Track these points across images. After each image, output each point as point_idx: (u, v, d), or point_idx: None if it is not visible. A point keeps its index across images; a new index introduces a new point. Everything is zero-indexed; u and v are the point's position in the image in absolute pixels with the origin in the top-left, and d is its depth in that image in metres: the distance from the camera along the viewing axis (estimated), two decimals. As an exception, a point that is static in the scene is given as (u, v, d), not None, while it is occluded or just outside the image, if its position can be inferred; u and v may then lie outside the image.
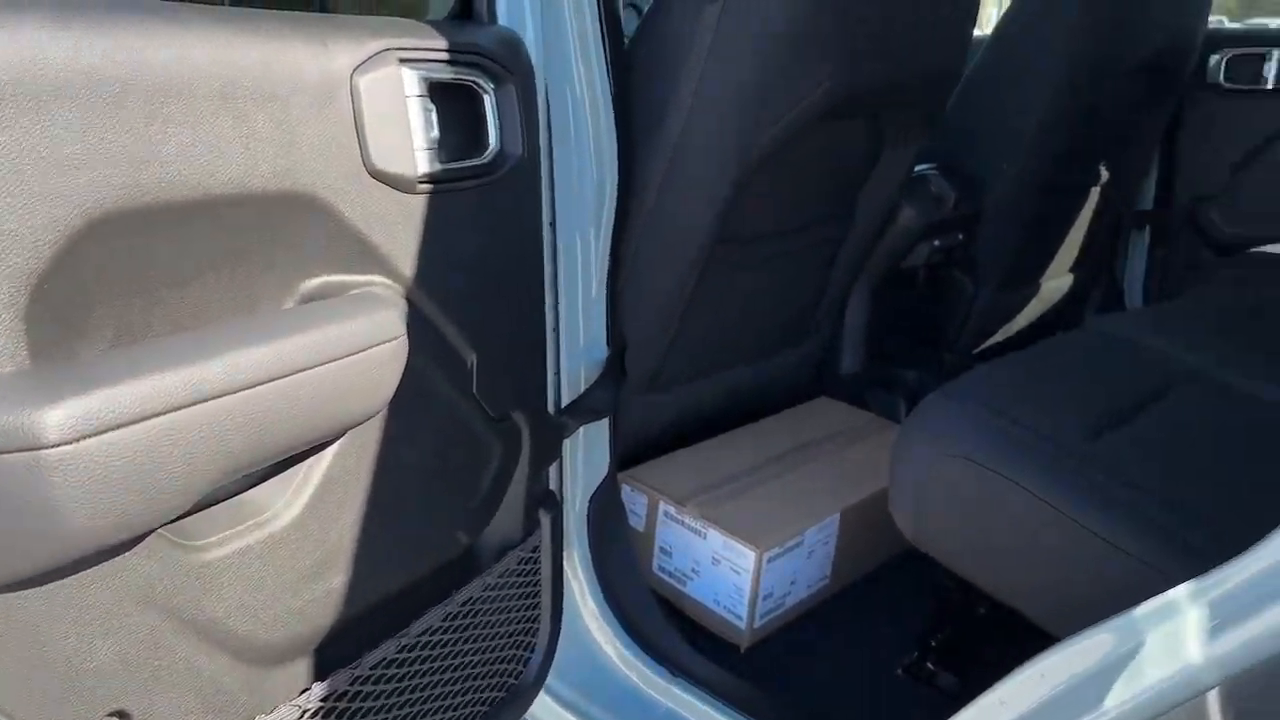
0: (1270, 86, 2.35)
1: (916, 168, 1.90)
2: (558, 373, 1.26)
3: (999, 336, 2.43)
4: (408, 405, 0.92)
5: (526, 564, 1.15)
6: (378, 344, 0.83)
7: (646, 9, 1.39)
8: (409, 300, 0.91)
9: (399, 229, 0.88)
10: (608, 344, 1.40)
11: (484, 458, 1.04)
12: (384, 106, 0.86)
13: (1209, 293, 1.92)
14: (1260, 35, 2.38)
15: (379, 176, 0.86)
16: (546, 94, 1.17)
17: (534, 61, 1.10)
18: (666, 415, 1.71)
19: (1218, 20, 2.73)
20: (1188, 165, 2.56)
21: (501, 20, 1.09)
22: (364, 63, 0.85)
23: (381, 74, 0.86)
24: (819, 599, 1.63)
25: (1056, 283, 2.47)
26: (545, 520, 1.18)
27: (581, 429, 1.36)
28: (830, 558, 1.61)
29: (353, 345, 0.81)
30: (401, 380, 0.88)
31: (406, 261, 0.90)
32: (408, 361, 0.89)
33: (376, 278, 0.88)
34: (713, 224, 1.46)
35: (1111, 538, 1.04)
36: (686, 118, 1.35)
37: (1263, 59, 2.35)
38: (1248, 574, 0.75)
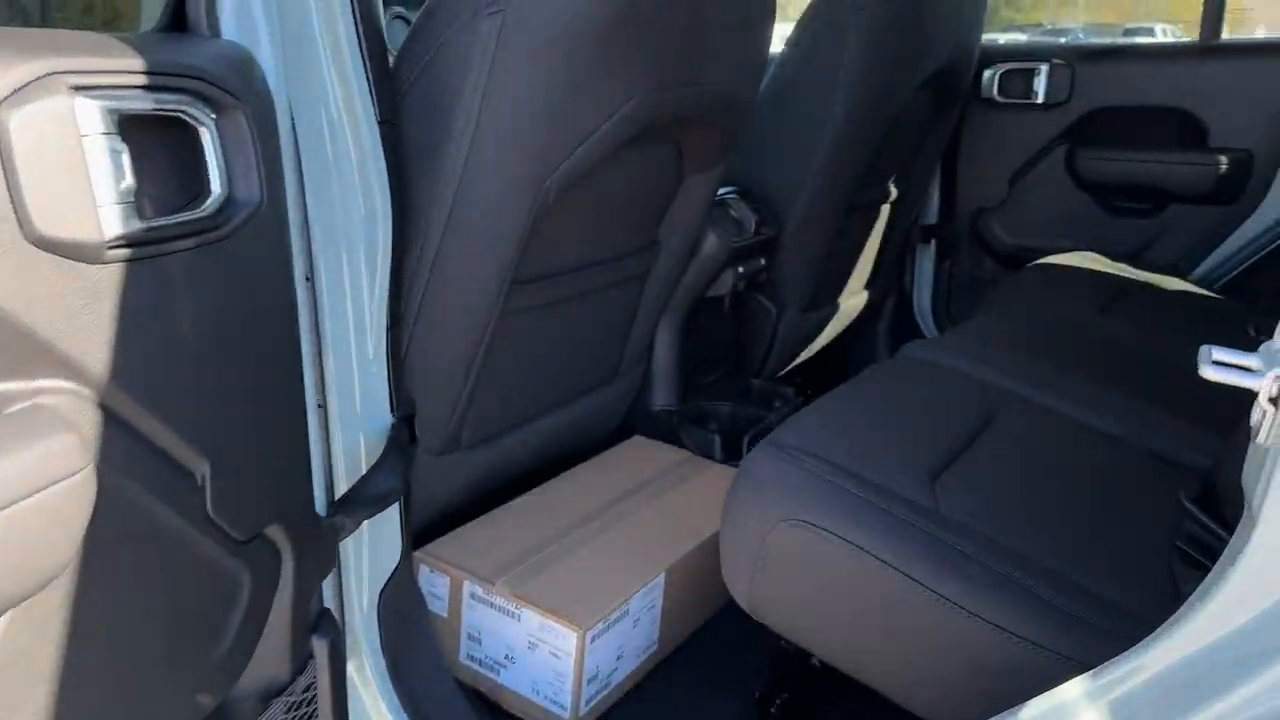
0: (1041, 101, 2.43)
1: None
2: (328, 457, 1.04)
3: (803, 357, 2.40)
4: (107, 552, 0.68)
5: (299, 708, 0.92)
6: (47, 485, 0.60)
7: (415, 20, 1.19)
8: (103, 407, 0.68)
9: (81, 313, 0.65)
10: (392, 410, 1.19)
11: (229, 595, 0.81)
12: (48, 151, 0.63)
13: (1004, 308, 1.94)
14: (1030, 50, 2.46)
15: (46, 245, 0.63)
16: (293, 122, 0.96)
17: (272, 83, 0.88)
18: (468, 477, 1.52)
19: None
20: (968, 178, 2.62)
21: (227, 34, 0.87)
22: (15, 93, 0.62)
23: (43, 106, 0.63)
24: (648, 668, 1.49)
25: (854, 300, 2.46)
26: (321, 649, 0.96)
27: (365, 516, 1.14)
28: (657, 622, 1.47)
29: (6, 494, 0.57)
30: (95, 521, 0.65)
31: (96, 355, 0.67)
32: (103, 494, 0.66)
33: (50, 383, 0.64)
34: (506, 264, 1.28)
35: (973, 607, 0.95)
36: (469, 147, 1.17)
37: (1033, 73, 2.43)
38: (1151, 672, 0.65)
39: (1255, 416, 0.63)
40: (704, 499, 1.65)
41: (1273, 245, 2.21)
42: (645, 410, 1.93)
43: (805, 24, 1.93)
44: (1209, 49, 2.25)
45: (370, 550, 1.19)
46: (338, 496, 1.05)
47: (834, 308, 2.35)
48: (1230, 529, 1.07)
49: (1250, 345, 1.74)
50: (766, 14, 1.49)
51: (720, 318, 2.05)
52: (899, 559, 1.00)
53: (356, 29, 1.04)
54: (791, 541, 1.06)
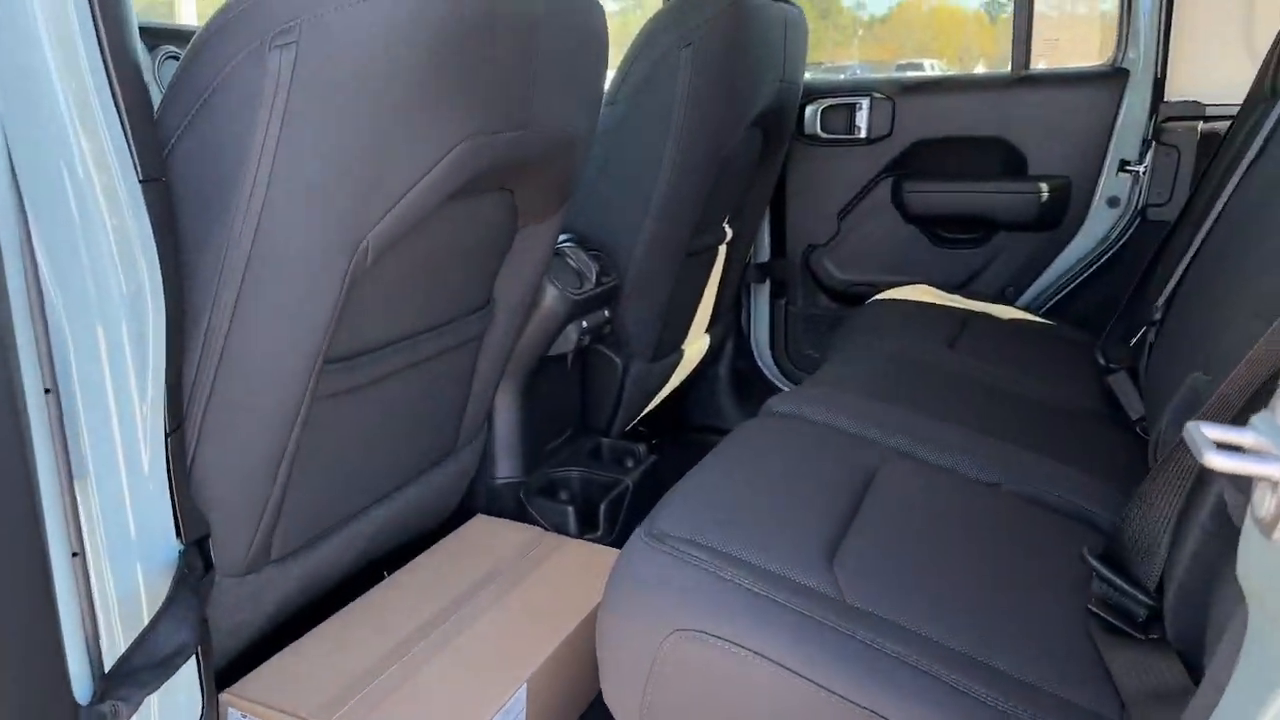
0: (863, 135, 2.42)
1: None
2: (92, 617, 0.80)
3: (648, 408, 2.27)
4: None
5: None
6: None
7: (185, 53, 0.97)
8: None
9: None
10: (179, 535, 0.96)
11: None
12: None
13: (852, 349, 1.87)
14: (850, 86, 2.45)
15: None
16: (18, 188, 0.73)
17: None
18: (282, 593, 1.28)
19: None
20: (797, 216, 2.59)
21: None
22: None
23: None
24: (514, 794, 1.29)
25: (696, 345, 2.36)
26: None
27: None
28: (521, 740, 1.27)
29: None
30: None
31: None
32: None
33: None
34: (316, 342, 1.07)
35: (901, 718, 0.82)
36: (263, 206, 0.96)
37: (854, 108, 2.42)
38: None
39: (1265, 506, 0.52)
40: (562, 583, 1.48)
41: (1093, 268, 2.27)
42: (488, 485, 1.73)
43: (632, 62, 1.82)
44: (1020, 79, 2.30)
45: (161, 709, 0.95)
46: (110, 666, 0.81)
47: (678, 355, 2.23)
48: (1139, 585, 1.00)
49: (1096, 373, 1.73)
50: (600, 48, 1.35)
51: (564, 376, 1.88)
52: (813, 668, 0.86)
53: (106, 66, 0.82)
54: (686, 656, 0.90)
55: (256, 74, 0.92)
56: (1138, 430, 1.55)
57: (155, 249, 0.89)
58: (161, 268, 0.90)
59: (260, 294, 0.99)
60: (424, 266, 1.24)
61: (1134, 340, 1.61)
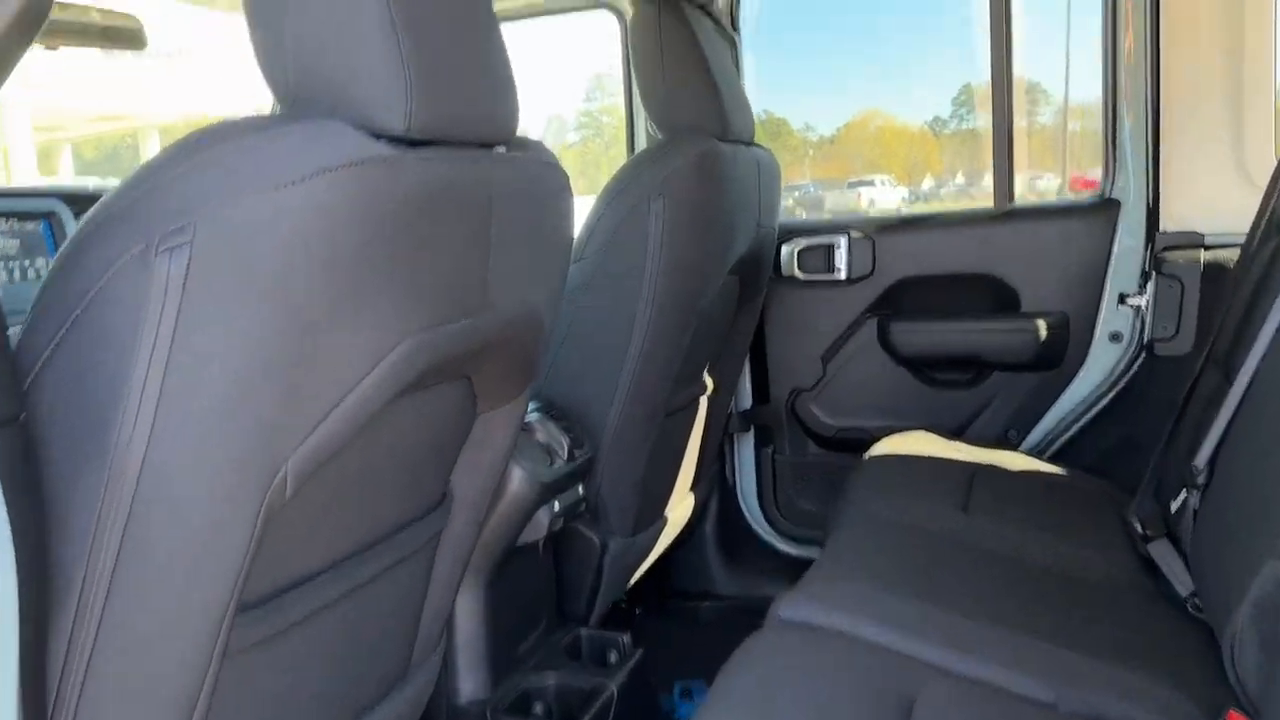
0: (844, 276, 2.30)
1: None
2: None
3: (631, 581, 2.05)
4: None
5: None
6: None
7: (54, 263, 0.80)
8: None
9: None
10: None
11: None
12: None
13: (858, 520, 1.67)
14: (826, 226, 2.34)
15: None
16: None
17: None
18: None
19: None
20: (780, 360, 2.44)
21: None
22: None
23: None
24: None
25: (681, 509, 2.16)
26: None
27: None
28: None
29: None
30: None
31: None
32: None
33: None
34: (223, 593, 0.87)
35: None
36: (149, 443, 0.77)
37: (832, 248, 2.30)
38: None
39: None
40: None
41: (1099, 405, 2.12)
42: (449, 704, 1.49)
43: (600, 216, 1.69)
44: (1005, 214, 2.20)
45: None
46: None
47: (661, 522, 2.03)
48: None
49: (1125, 534, 1.54)
50: (564, 212, 1.20)
51: (534, 565, 1.67)
52: None
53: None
54: None
55: (140, 282, 0.75)
56: (1188, 607, 1.37)
57: (4, 507, 0.70)
58: (15, 529, 0.70)
59: (148, 547, 0.79)
60: (362, 477, 1.04)
61: (1175, 505, 1.44)
